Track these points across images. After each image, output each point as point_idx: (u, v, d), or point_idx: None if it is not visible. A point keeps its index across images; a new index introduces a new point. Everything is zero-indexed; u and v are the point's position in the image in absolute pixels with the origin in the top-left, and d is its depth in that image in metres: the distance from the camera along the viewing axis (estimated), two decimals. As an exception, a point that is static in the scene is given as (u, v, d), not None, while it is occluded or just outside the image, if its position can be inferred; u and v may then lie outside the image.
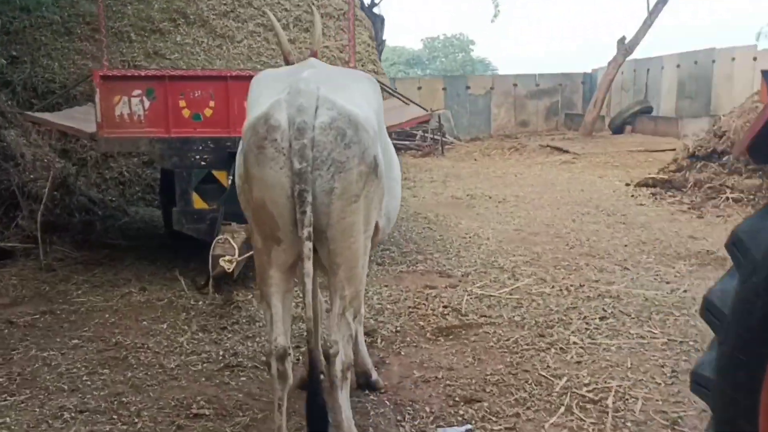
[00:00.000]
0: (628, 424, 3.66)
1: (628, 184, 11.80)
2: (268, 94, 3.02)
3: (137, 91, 5.86)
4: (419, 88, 22.50)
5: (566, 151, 16.74)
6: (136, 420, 3.81)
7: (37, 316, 5.68)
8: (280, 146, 2.85)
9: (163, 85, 5.87)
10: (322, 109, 2.89)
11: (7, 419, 3.84)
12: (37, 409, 3.98)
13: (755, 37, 28.06)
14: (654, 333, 4.97)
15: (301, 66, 3.52)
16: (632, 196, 10.90)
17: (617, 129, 20.16)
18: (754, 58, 19.08)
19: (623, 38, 19.43)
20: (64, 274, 6.81)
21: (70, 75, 10.33)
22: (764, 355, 1.87)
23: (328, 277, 3.14)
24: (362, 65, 11.00)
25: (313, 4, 11.78)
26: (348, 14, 11.46)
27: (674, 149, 13.48)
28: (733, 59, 19.41)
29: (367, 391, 4.14)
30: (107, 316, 5.68)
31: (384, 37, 18.29)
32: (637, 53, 20.52)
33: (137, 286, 6.39)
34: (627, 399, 3.94)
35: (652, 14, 18.78)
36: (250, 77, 6.04)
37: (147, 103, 5.88)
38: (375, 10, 19.01)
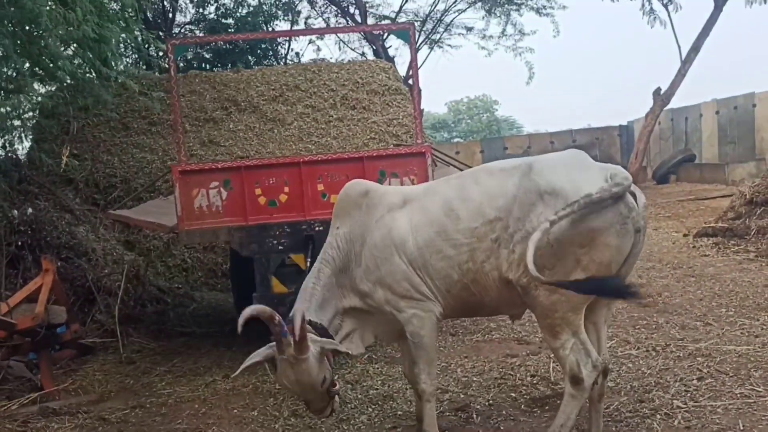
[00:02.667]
0: (759, 491, 3.53)
1: (686, 235, 11.68)
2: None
3: (215, 183, 6.04)
4: (457, 152, 22.74)
5: (614, 206, 16.67)
6: None
7: (128, 411, 5.73)
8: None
9: (239, 175, 6.06)
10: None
11: None
12: None
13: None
14: (758, 391, 4.83)
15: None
16: (693, 246, 10.77)
17: (661, 179, 20.08)
18: (795, 98, 19.02)
19: (659, 89, 19.57)
20: (146, 366, 6.91)
21: (129, 168, 10.69)
22: None
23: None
24: (410, 137, 11.21)
25: (357, 82, 12.13)
26: (398, 89, 11.80)
27: (725, 196, 13.37)
28: (776, 101, 19.38)
29: (478, 471, 4.08)
30: (196, 406, 5.72)
31: (422, 107, 18.63)
32: (674, 102, 20.61)
33: (220, 374, 6.43)
34: (749, 464, 3.82)
35: (686, 63, 18.92)
36: (322, 161, 6.27)
37: (224, 194, 6.05)
38: (410, 81, 19.50)
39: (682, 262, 9.74)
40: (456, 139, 52.26)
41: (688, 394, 4.92)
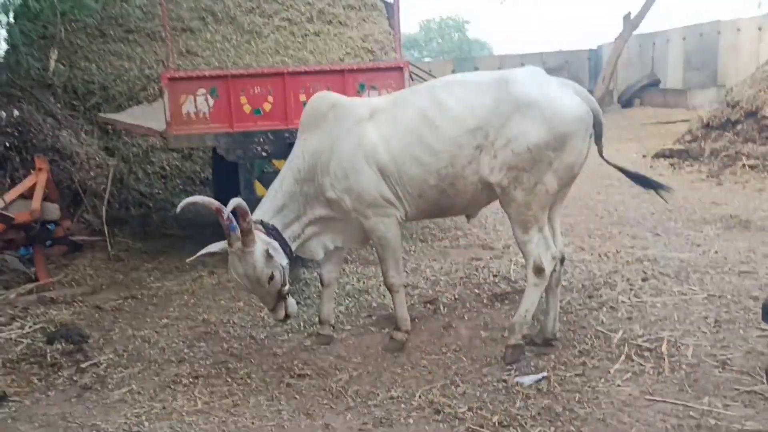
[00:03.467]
0: (683, 366, 4.14)
1: (644, 156, 12.27)
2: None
3: (202, 91, 6.31)
4: (429, 71, 22.85)
5: (579, 127, 17.16)
6: (249, 381, 4.31)
7: (121, 301, 6.18)
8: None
9: (226, 83, 6.32)
10: None
11: (132, 386, 4.35)
12: (155, 378, 4.48)
13: (757, 4, 28.35)
14: (694, 290, 5.45)
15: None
16: (651, 167, 11.36)
17: (626, 103, 20.58)
18: (759, 28, 19.43)
19: (629, 14, 19.79)
20: (134, 263, 7.32)
21: (107, 76, 10.74)
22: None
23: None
24: (385, 53, 11.39)
25: (334, -5, 12.19)
26: (374, 5, 11.90)
27: (685, 120, 13.92)
28: (738, 30, 19.77)
29: (443, 349, 4.64)
30: (186, 297, 6.19)
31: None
32: (642, 28, 20.89)
33: (205, 271, 6.88)
34: (679, 346, 4.42)
35: (657, -12, 19.12)
36: (305, 73, 6.56)
37: (211, 101, 6.34)
38: (386, -3, 19.40)
39: (639, 180, 10.30)
40: (426, 59, 51.89)
41: (633, 292, 5.53)
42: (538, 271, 4.37)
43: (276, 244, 4.44)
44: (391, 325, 5.04)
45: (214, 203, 4.19)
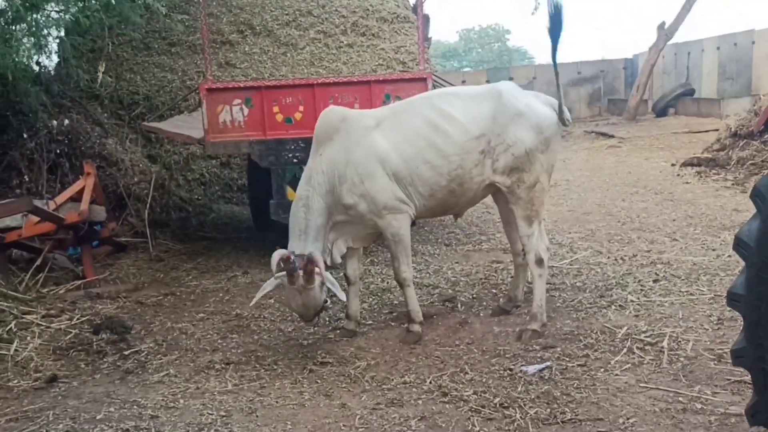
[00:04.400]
0: (681, 359, 4.39)
1: (673, 165, 12.38)
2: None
3: (237, 101, 6.76)
4: (463, 81, 23.22)
5: (612, 136, 17.31)
6: (275, 367, 4.69)
7: (161, 297, 6.63)
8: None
9: (260, 94, 6.77)
10: None
11: (170, 371, 4.76)
12: (191, 364, 4.89)
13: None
14: (702, 290, 5.67)
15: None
16: (678, 175, 11.49)
17: (660, 112, 20.60)
18: (795, 36, 19.35)
19: (663, 23, 19.85)
20: (173, 263, 7.79)
21: (151, 87, 11.32)
22: (779, 272, 2.63)
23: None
24: (416, 64, 11.76)
25: (367, 9, 12.61)
26: (406, 17, 12.28)
27: (717, 129, 13.96)
28: (774, 38, 19.69)
29: (457, 342, 4.96)
30: (221, 295, 6.61)
31: (430, 35, 19.00)
32: (677, 37, 20.92)
33: (239, 271, 7.31)
34: (680, 341, 4.67)
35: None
36: (333, 84, 6.96)
37: (246, 111, 6.78)
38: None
39: (665, 188, 10.49)
40: (466, 68, 52.13)
41: (642, 292, 5.77)
42: (540, 262, 5.05)
43: (331, 277, 4.87)
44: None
45: (285, 254, 4.73)
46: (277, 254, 4.80)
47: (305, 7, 12.62)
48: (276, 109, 6.84)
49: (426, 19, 18.43)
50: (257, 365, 4.74)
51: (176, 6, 12.14)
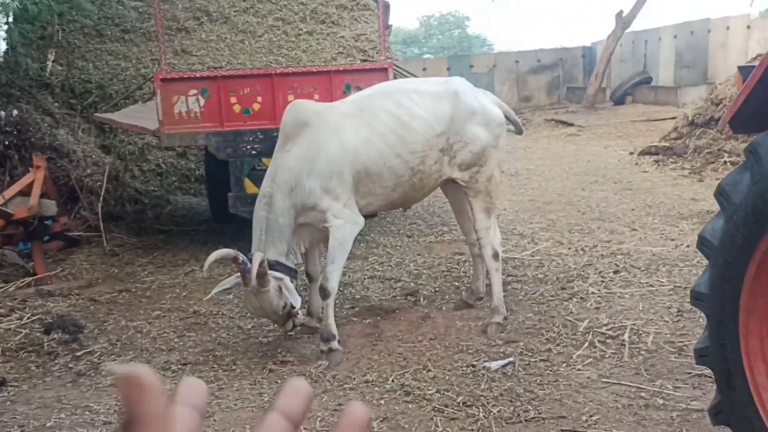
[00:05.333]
0: (642, 352, 4.41)
1: (632, 153, 12.50)
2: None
3: (193, 91, 6.56)
4: (424, 69, 23.11)
5: (571, 124, 17.43)
6: (234, 367, 4.58)
7: (116, 294, 6.44)
8: None
9: (216, 84, 6.58)
10: None
11: (125, 373, 4.60)
12: (146, 365, 4.71)
13: (749, 3, 28.58)
14: (662, 281, 5.71)
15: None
16: (636, 163, 11.61)
17: (618, 100, 20.81)
18: (748, 26, 19.68)
19: (621, 12, 20.01)
20: (128, 258, 7.58)
21: (104, 75, 11.00)
22: (743, 272, 2.61)
23: None
24: (377, 52, 11.63)
25: (327, -4, 12.43)
26: (366, 5, 12.13)
27: (674, 117, 14.14)
28: (728, 28, 19.99)
29: (419, 338, 4.90)
30: (178, 291, 6.45)
31: (390, 22, 18.86)
32: (635, 26, 21.11)
33: (197, 265, 7.12)
34: (640, 334, 4.69)
35: (648, -13, 19.33)
36: (292, 74, 6.80)
37: (202, 101, 6.59)
38: (379, -5, 19.63)
39: (623, 177, 10.58)
40: (426, 55, 52.05)
41: (603, 284, 5.79)
42: (496, 256, 5.21)
43: (287, 281, 4.69)
44: (374, 316, 5.35)
45: (230, 253, 4.51)
46: (218, 253, 4.53)
47: (263, -7, 12.38)
48: (233, 99, 6.66)
49: (386, 6, 18.36)
50: (215, 365, 4.63)
51: (130, -9, 11.82)
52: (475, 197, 5.13)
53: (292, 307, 4.69)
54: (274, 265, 4.67)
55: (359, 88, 6.77)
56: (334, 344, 4.68)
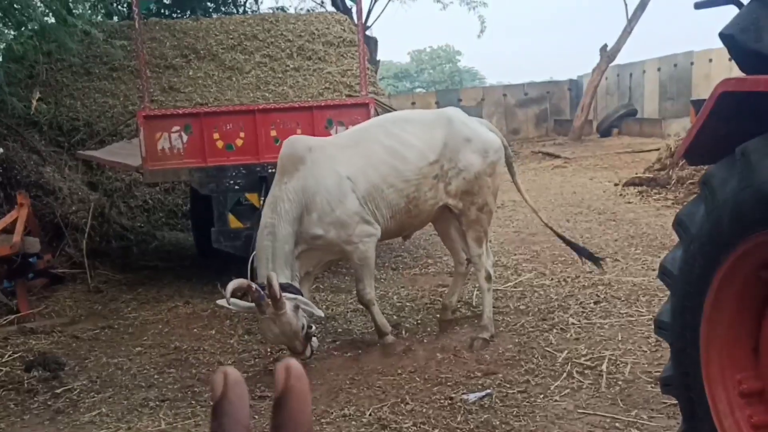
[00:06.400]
0: (620, 382, 4.42)
1: (616, 184, 12.59)
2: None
3: (176, 127, 6.64)
4: (413, 103, 23.37)
5: (557, 156, 17.58)
6: (212, 403, 4.55)
7: (98, 331, 6.43)
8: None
9: (199, 120, 6.66)
10: None
11: (102, 409, 4.60)
12: (125, 401, 4.73)
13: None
14: (641, 312, 5.74)
15: None
16: (621, 195, 11.69)
17: (604, 132, 21.04)
18: (730, 59, 19.92)
19: (605, 46, 20.34)
20: (112, 294, 7.58)
21: (92, 113, 11.10)
22: (702, 301, 2.65)
23: None
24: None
25: (313, 33, 12.62)
26: (352, 41, 12.31)
27: (658, 149, 14.28)
28: (711, 60, 20.31)
29: (399, 371, 4.91)
30: (160, 327, 6.45)
31: (378, 57, 19.18)
32: (621, 59, 21.45)
33: (181, 301, 7.15)
34: (618, 364, 4.71)
35: (632, 21, 19.69)
36: (275, 110, 6.89)
37: (185, 138, 6.66)
38: (367, 32, 19.94)
39: (608, 208, 10.66)
40: (418, 89, 52.60)
41: (584, 314, 5.81)
42: (489, 278, 5.51)
43: (302, 297, 4.81)
44: (355, 349, 5.35)
45: (244, 283, 4.61)
46: (233, 284, 4.61)
47: (250, 31, 12.57)
48: (216, 135, 6.74)
49: (374, 42, 18.66)
50: (193, 401, 4.62)
51: (117, 31, 11.99)
52: (468, 227, 5.35)
53: (310, 327, 4.86)
54: (287, 287, 4.78)
55: (341, 123, 6.90)
56: (388, 339, 5.27)
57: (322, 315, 5.01)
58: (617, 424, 3.83)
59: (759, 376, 2.59)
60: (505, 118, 24.35)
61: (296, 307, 4.69)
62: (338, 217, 4.92)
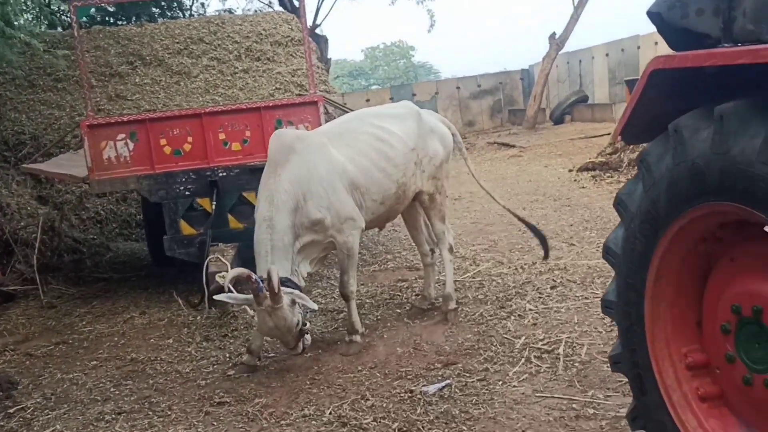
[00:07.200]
0: (576, 364, 4.47)
1: (570, 170, 12.75)
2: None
3: (121, 135, 6.52)
4: (367, 100, 23.31)
5: (513, 146, 17.74)
6: (169, 413, 4.49)
7: (52, 347, 6.28)
8: None
9: (144, 127, 6.55)
10: None
11: (57, 426, 4.49)
12: (80, 417, 4.62)
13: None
14: (596, 293, 5.80)
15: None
16: (575, 180, 11.84)
17: (557, 120, 21.28)
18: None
19: (554, 34, 20.56)
20: (66, 309, 7.41)
21: (38, 125, 10.83)
22: (644, 278, 2.68)
23: None
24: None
25: (260, 34, 12.50)
26: (300, 40, 12.21)
27: (610, 134, 14.48)
28: (656, 43, 20.62)
29: (360, 367, 4.88)
30: (116, 339, 6.32)
31: (329, 56, 19.10)
32: (569, 46, 21.70)
33: (137, 311, 7.01)
34: (575, 346, 4.76)
35: (578, 8, 19.93)
36: (222, 112, 6.81)
37: (131, 145, 6.55)
38: (317, 30, 19.84)
39: (562, 194, 10.78)
40: (374, 86, 52.59)
41: (540, 300, 5.87)
42: (451, 250, 6.04)
43: (299, 292, 4.82)
44: (315, 349, 5.30)
45: (244, 273, 4.66)
46: (234, 272, 4.78)
47: (196, 35, 12.39)
48: (163, 141, 6.63)
49: (324, 40, 18.58)
50: (150, 412, 4.53)
51: (60, 41, 11.71)
52: (434, 208, 5.86)
53: (304, 324, 4.88)
54: (285, 282, 4.78)
55: (291, 123, 6.85)
56: (356, 337, 5.30)
57: (316, 308, 5.12)
58: (574, 405, 3.87)
59: (704, 349, 2.62)
60: (460, 110, 24.47)
61: (293, 302, 4.71)
62: (332, 202, 5.08)
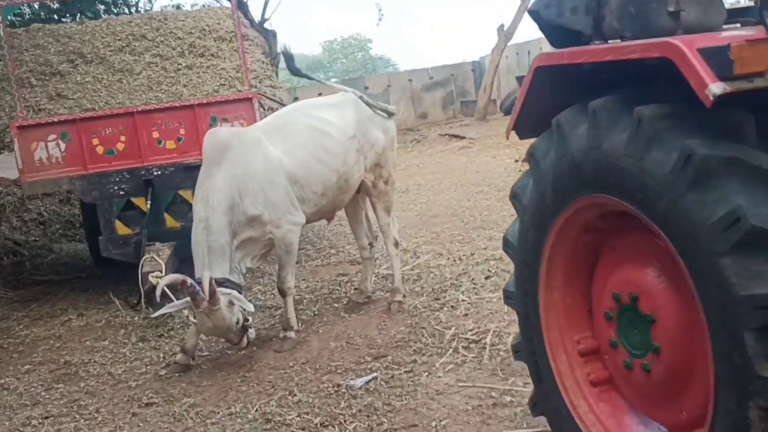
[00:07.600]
0: (501, 353, 4.56)
1: (516, 161, 12.89)
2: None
3: (52, 136, 6.43)
4: (320, 94, 23.19)
5: (463, 137, 17.86)
6: (96, 415, 4.48)
7: (-15, 353, 6.19)
8: None
9: (75, 127, 6.47)
10: None
11: (-18, 434, 4.44)
12: (6, 422, 4.58)
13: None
14: (528, 283, 5.92)
15: None
16: (520, 170, 11.96)
17: (508, 110, 21.42)
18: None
19: (502, 26, 20.72)
20: (3, 313, 7.29)
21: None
22: (537, 269, 2.76)
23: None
24: (260, 82, 11.64)
25: (204, 30, 12.37)
26: (245, 36, 12.13)
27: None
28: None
29: (291, 363, 4.92)
30: (52, 342, 6.25)
31: (278, 50, 18.91)
32: (517, 37, 21.89)
33: (75, 314, 6.94)
34: (502, 336, 4.85)
35: (525, 0, 20.08)
36: (155, 110, 6.75)
37: (63, 146, 6.46)
38: (266, 24, 19.68)
39: (507, 185, 10.78)
40: (333, 79, 52.37)
41: (474, 290, 5.96)
42: (396, 244, 6.04)
43: (236, 293, 4.90)
44: (250, 346, 5.30)
45: (178, 278, 4.80)
46: (168, 279, 4.89)
47: (138, 32, 12.16)
48: (96, 141, 6.56)
49: (272, 34, 18.43)
50: (77, 415, 4.51)
51: (-6, 40, 11.44)
52: (378, 198, 5.85)
53: (246, 320, 4.96)
54: (223, 282, 4.85)
55: (225, 120, 6.82)
56: (290, 334, 5.27)
57: (252, 309, 5.12)
58: (493, 394, 3.96)
59: (595, 336, 2.72)
60: (413, 103, 24.52)
61: (230, 303, 4.79)
62: (269, 198, 5.09)
